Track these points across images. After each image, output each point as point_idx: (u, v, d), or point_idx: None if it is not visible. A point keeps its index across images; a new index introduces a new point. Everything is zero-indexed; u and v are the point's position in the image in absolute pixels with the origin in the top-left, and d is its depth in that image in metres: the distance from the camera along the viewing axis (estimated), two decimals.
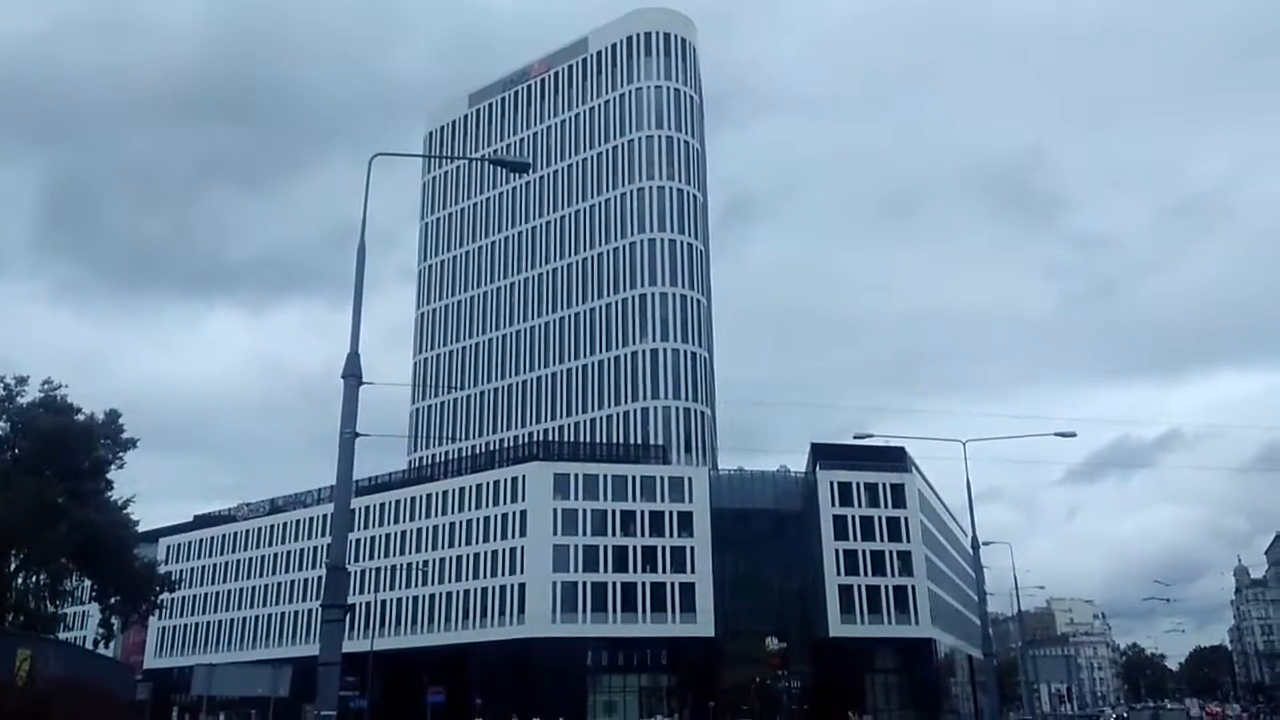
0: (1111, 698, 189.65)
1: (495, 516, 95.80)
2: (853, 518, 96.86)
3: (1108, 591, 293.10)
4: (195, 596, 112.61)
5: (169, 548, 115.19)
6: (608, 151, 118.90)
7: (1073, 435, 39.44)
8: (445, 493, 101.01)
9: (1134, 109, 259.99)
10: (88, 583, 46.20)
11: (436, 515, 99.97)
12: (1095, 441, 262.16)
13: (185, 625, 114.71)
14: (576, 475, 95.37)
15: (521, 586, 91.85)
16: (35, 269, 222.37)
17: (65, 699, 10.45)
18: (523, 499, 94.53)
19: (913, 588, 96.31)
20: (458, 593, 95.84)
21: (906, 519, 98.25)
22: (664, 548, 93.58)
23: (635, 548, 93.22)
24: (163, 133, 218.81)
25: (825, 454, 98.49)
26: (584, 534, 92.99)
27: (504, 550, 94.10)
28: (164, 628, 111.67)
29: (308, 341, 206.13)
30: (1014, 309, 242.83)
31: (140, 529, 50.29)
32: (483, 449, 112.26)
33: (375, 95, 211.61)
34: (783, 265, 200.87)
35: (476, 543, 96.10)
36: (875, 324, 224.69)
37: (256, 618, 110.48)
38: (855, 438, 47.05)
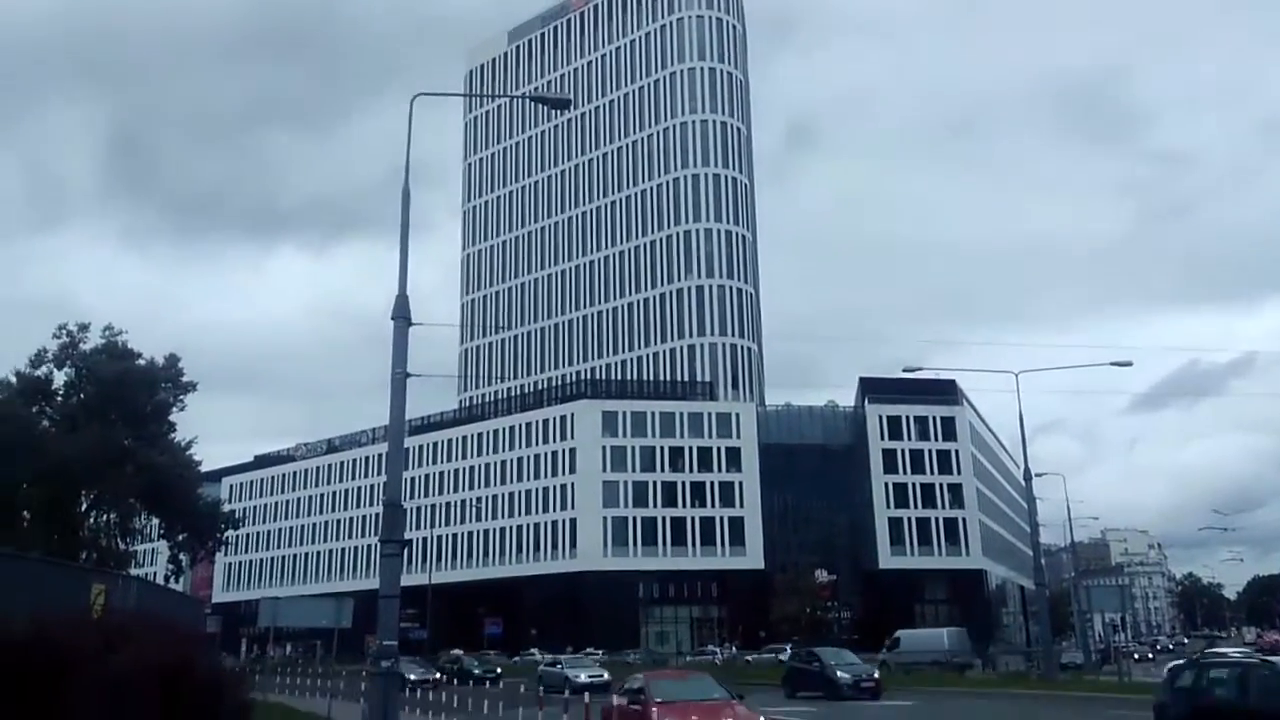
0: (1166, 627, 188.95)
1: (545, 454, 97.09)
2: (902, 451, 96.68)
3: (1165, 522, 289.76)
4: (259, 533, 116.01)
5: (231, 487, 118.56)
6: (649, 85, 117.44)
7: (1129, 365, 38.76)
8: (495, 431, 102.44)
9: (1215, 24, 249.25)
10: (156, 521, 47.81)
11: (488, 453, 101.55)
12: (1161, 369, 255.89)
13: (251, 561, 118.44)
14: (624, 413, 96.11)
15: (573, 522, 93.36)
16: (101, 214, 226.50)
17: (139, 630, 10.96)
18: (572, 437, 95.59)
19: (963, 520, 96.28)
20: (510, 528, 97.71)
21: (957, 452, 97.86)
22: (712, 483, 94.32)
23: (684, 483, 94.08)
24: (219, 74, 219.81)
25: (874, 388, 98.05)
26: (633, 470, 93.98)
27: (554, 487, 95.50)
28: (230, 563, 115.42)
29: (366, 282, 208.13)
30: (1080, 234, 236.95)
31: (203, 469, 51.76)
32: (531, 388, 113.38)
33: (423, 33, 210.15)
34: (838, 196, 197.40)
35: (527, 480, 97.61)
36: (932, 254, 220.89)
37: (318, 553, 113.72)
38: (904, 371, 46.87)
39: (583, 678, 38.63)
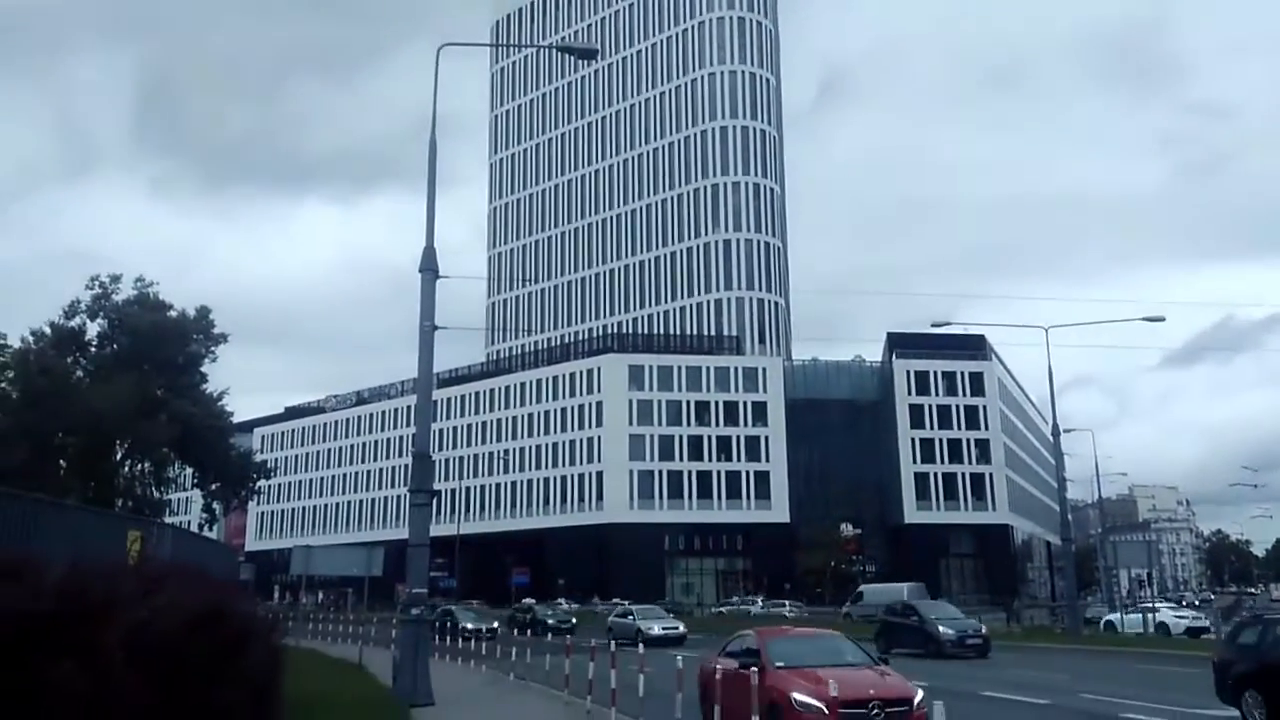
0: (1193, 584, 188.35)
1: (572, 408, 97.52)
2: (930, 406, 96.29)
3: (1194, 479, 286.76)
4: (290, 484, 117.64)
5: (263, 437, 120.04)
6: (678, 35, 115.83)
7: (1161, 320, 38.30)
8: (523, 384, 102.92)
9: None
10: (189, 470, 48.59)
11: (515, 406, 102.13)
12: (1195, 325, 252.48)
13: (283, 510, 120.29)
14: (651, 367, 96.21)
15: (599, 475, 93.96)
16: (132, 165, 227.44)
17: (175, 576, 11.11)
18: (598, 390, 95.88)
19: (990, 475, 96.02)
20: (537, 480, 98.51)
21: (985, 407, 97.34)
22: (739, 437, 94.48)
23: (710, 437, 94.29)
24: (249, 24, 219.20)
25: (902, 343, 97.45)
26: (659, 424, 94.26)
27: (581, 440, 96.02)
28: (263, 513, 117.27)
29: (394, 234, 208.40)
30: (1114, 187, 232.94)
31: (234, 420, 52.46)
32: (558, 341, 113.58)
33: None
34: (869, 149, 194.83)
35: (554, 432, 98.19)
36: (964, 209, 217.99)
37: (349, 503, 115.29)
38: (933, 326, 46.73)
39: (656, 630, 36.13)
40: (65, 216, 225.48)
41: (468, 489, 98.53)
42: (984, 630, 30.77)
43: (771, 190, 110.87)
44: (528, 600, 61.81)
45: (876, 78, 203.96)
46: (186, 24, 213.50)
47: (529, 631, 40.02)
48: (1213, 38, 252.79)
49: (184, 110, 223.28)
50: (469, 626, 37.71)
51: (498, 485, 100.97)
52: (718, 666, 13.50)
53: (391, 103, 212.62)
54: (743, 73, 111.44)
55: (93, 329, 44.51)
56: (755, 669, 11.98)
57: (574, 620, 47.78)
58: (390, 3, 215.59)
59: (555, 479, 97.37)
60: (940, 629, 29.67)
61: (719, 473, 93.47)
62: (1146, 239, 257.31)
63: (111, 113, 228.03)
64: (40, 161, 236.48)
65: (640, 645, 28.99)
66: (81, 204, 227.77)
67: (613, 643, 18.54)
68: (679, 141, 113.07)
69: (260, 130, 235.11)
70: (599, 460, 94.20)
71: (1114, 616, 45.79)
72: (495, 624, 42.56)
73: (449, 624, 39.46)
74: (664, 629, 36.97)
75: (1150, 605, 45.11)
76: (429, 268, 18.45)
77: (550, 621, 45.41)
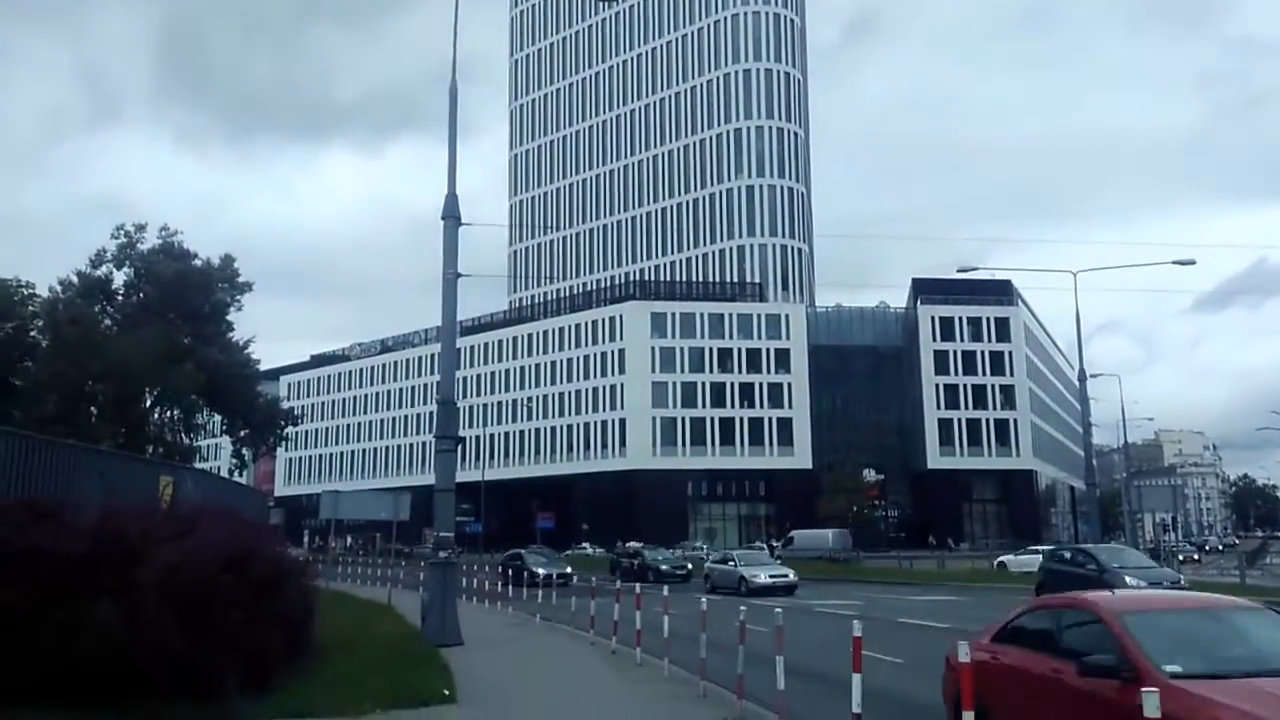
0: (1219, 528, 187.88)
1: (594, 355, 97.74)
2: (954, 352, 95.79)
3: (1222, 424, 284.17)
4: (318, 430, 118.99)
5: (289, 385, 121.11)
6: None
7: (1191, 263, 37.54)
8: (545, 332, 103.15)
9: None
10: (218, 418, 49.17)
11: (538, 354, 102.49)
12: (1227, 268, 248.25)
13: (311, 457, 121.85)
14: (673, 314, 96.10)
15: (622, 421, 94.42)
16: (156, 114, 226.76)
17: (207, 519, 11.33)
18: (621, 338, 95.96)
19: (1014, 421, 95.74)
20: (561, 427, 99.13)
21: (1010, 353, 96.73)
22: (761, 384, 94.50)
23: (733, 384, 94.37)
24: None
25: (927, 289, 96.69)
26: (682, 371, 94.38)
27: (604, 387, 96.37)
28: (291, 459, 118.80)
29: (419, 181, 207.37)
30: (1147, 128, 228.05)
31: (261, 368, 52.89)
32: (580, 289, 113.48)
33: None
34: (896, 92, 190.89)
35: (577, 380, 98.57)
36: (992, 152, 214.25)
37: (375, 449, 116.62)
38: (959, 271, 46.10)
39: (763, 578, 32.53)
40: (91, 166, 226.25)
41: (492, 436, 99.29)
42: (1182, 580, 25.21)
43: (795, 134, 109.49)
44: (633, 544, 57.05)
45: (904, 16, 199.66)
46: None
47: (637, 580, 30.89)
48: None
49: (208, 58, 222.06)
50: (540, 572, 34.39)
51: (522, 432, 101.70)
52: (1000, 659, 7.60)
53: (414, 48, 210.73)
54: (766, 13, 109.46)
55: (119, 278, 44.81)
56: (1116, 677, 6.12)
57: (689, 566, 43.40)
58: None
59: (579, 426, 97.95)
60: (1127, 579, 22.56)
61: (742, 419, 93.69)
62: (1179, 180, 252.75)
63: (136, 61, 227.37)
64: (65, 111, 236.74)
65: (745, 594, 28.62)
66: (107, 153, 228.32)
67: (704, 597, 14.93)
68: (701, 85, 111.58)
69: (283, 78, 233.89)
70: (622, 407, 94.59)
71: (1007, 557, 50.62)
72: (568, 569, 40.07)
73: (517, 570, 36.46)
74: (772, 576, 32.96)
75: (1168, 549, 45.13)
76: (451, 214, 18.41)
77: (663, 568, 41.91)
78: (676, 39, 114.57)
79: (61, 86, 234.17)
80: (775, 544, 78.39)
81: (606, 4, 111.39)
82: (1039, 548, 49.95)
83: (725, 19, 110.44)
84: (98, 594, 9.09)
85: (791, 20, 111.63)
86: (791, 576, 33.31)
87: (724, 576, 34.14)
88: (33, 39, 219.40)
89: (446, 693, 11.00)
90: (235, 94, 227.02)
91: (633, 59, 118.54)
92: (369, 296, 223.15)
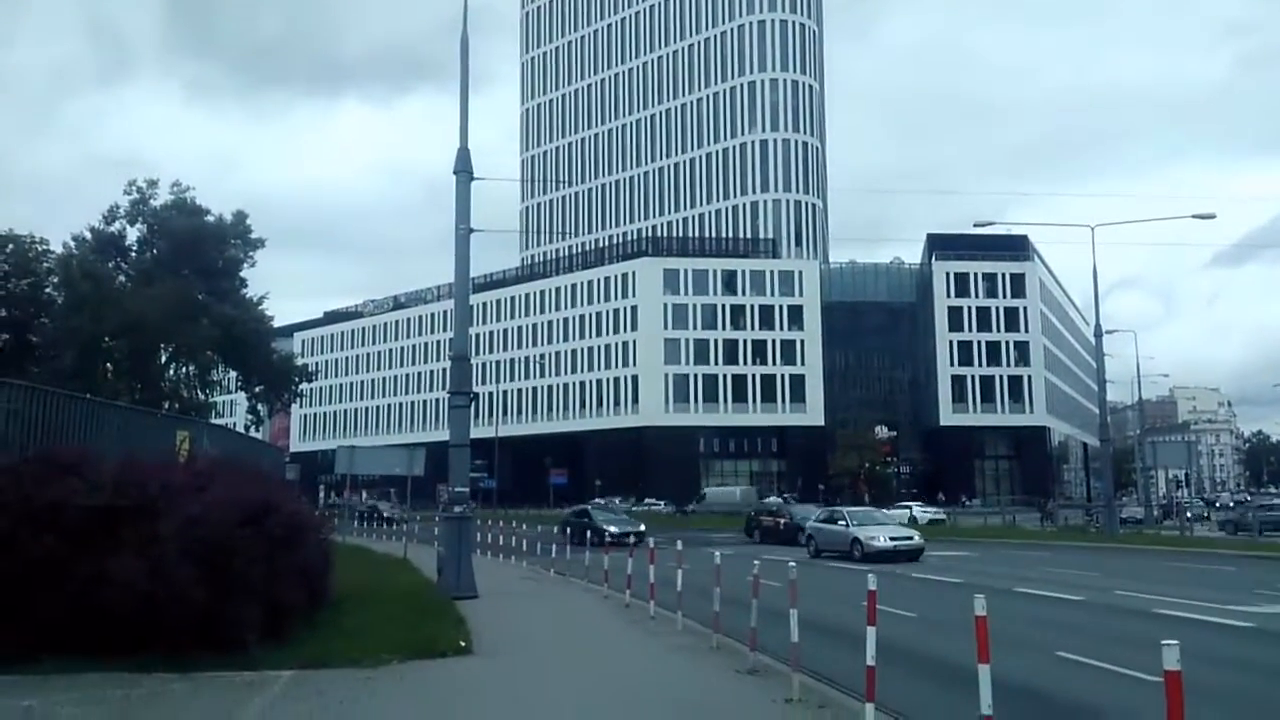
0: (1232, 485, 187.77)
1: (607, 312, 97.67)
2: (969, 309, 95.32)
3: (1238, 380, 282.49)
4: (332, 387, 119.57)
5: (303, 341, 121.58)
6: None
7: (1211, 217, 37.08)
8: (558, 289, 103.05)
9: None
10: (233, 374, 49.51)
11: (551, 311, 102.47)
12: (1247, 223, 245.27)
13: (326, 413, 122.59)
14: (686, 270, 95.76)
15: (634, 378, 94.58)
16: (167, 69, 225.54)
17: (225, 472, 11.44)
18: (633, 294, 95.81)
19: (1028, 377, 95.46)
20: (574, 384, 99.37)
21: (1025, 309, 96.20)
22: (774, 341, 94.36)
23: (745, 341, 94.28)
24: None
25: (942, 244, 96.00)
26: (694, 328, 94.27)
27: (616, 344, 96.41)
28: (306, 415, 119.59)
29: (432, 135, 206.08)
30: (1169, 81, 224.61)
31: (275, 324, 53.10)
32: (592, 245, 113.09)
33: None
34: (914, 44, 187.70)
35: (590, 337, 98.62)
36: (1009, 104, 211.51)
37: (389, 406, 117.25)
38: (974, 226, 45.82)
39: (882, 541, 26.95)
40: (102, 121, 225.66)
41: (505, 392, 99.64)
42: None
43: (810, 87, 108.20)
44: (773, 499, 53.03)
45: None
46: None
47: (584, 544, 27.27)
48: None
49: (217, 12, 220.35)
50: (613, 531, 31.69)
51: (534, 389, 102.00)
52: None
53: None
54: None
55: (132, 234, 44.97)
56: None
57: (641, 528, 34.87)
58: None
59: (591, 382, 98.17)
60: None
61: (754, 376, 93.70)
62: (1199, 134, 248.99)
63: (145, 14, 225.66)
64: (75, 66, 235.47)
65: (861, 559, 25.35)
66: (118, 109, 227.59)
67: (792, 562, 12.97)
68: (715, 37, 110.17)
69: (294, 31, 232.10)
70: (634, 364, 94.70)
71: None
72: (642, 527, 35.35)
73: (582, 529, 33.27)
74: (894, 539, 27.34)
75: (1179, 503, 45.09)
76: (463, 169, 18.30)
77: (612, 530, 33.95)
78: None
79: (71, 41, 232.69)
80: (788, 496, 78.94)
81: None
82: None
83: None
84: (119, 547, 9.20)
85: None
86: (918, 539, 27.81)
87: (832, 538, 28.81)
88: None
89: (463, 644, 11.14)
90: (246, 47, 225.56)
91: (645, 10, 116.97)
92: (382, 253, 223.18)
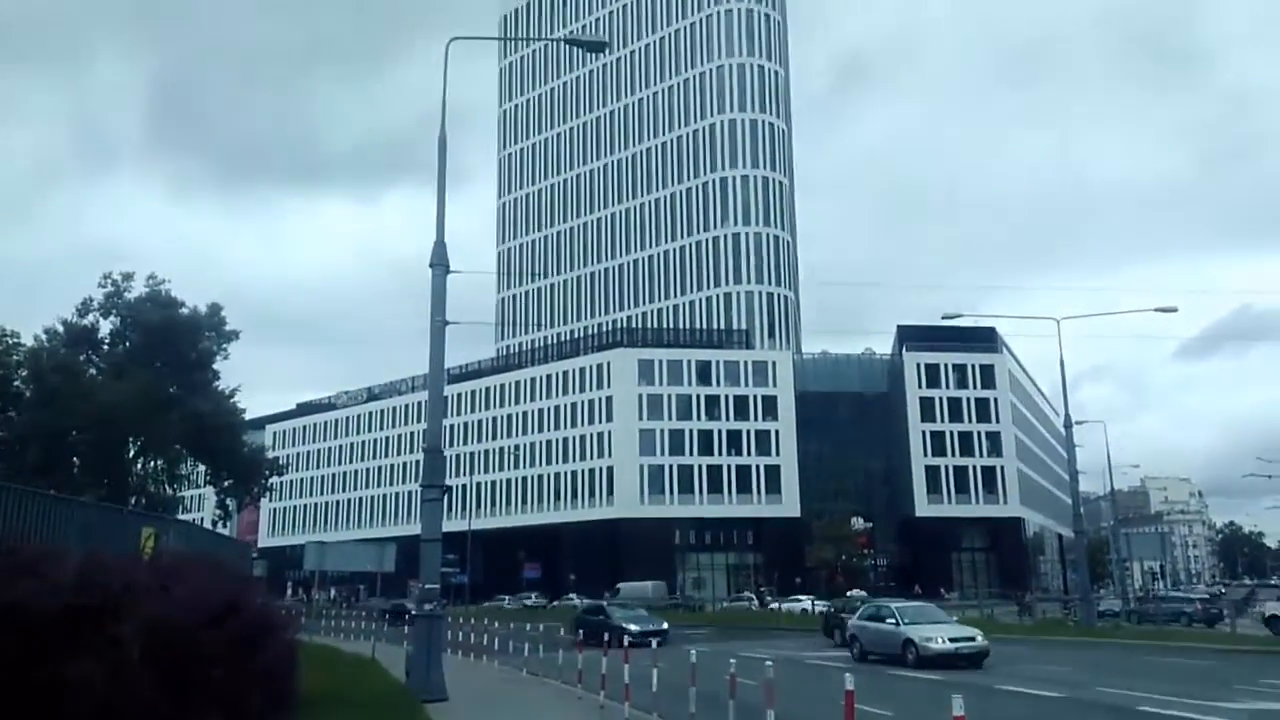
0: (1206, 576, 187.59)
1: (582, 402, 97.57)
2: (940, 399, 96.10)
3: (1207, 470, 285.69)
4: (303, 480, 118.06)
5: (275, 434, 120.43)
6: (685, 28, 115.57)
7: (1173, 310, 37.91)
8: (533, 379, 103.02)
9: None
10: (202, 468, 48.73)
11: (525, 401, 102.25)
12: (1211, 315, 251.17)
13: (295, 507, 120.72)
14: (660, 361, 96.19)
15: (609, 469, 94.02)
16: (149, 163, 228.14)
17: (189, 570, 11.17)
18: (608, 385, 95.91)
19: (1001, 468, 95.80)
20: (548, 475, 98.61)
21: (996, 399, 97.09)
22: (749, 431, 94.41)
23: (720, 431, 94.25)
24: (263, 20, 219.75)
25: (912, 336, 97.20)
26: (669, 418, 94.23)
27: (591, 434, 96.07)
28: (275, 509, 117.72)
29: (410, 228, 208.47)
30: (1132, 177, 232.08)
31: (247, 417, 52.53)
32: (568, 336, 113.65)
33: None
34: (884, 139, 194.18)
35: (565, 427, 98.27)
36: (977, 198, 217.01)
37: (361, 499, 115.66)
38: (943, 318, 46.09)
39: (940, 642, 23.18)
40: (85, 214, 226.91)
41: (479, 484, 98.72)
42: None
43: (780, 183, 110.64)
44: (854, 591, 49.43)
45: (892, 65, 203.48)
46: (202, 22, 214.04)
47: (601, 643, 23.18)
48: (1236, 25, 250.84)
49: (200, 108, 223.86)
50: (634, 630, 28.54)
51: (509, 480, 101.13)
52: None
53: (405, 98, 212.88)
54: (751, 65, 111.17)
55: (105, 326, 44.65)
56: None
57: (665, 627, 32.99)
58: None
59: (566, 474, 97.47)
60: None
61: (729, 467, 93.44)
62: (1163, 228, 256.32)
63: (130, 111, 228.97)
64: (60, 160, 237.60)
65: (913, 665, 22.22)
66: (101, 202, 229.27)
67: (847, 671, 10.74)
68: (687, 135, 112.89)
69: (277, 127, 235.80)
70: (609, 455, 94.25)
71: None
72: (665, 625, 33.19)
73: (598, 627, 30.44)
74: (954, 640, 23.49)
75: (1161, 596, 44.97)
76: (439, 263, 18.46)
77: (632, 628, 30.01)
78: (662, 90, 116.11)
79: (56, 134, 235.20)
80: (764, 590, 78.00)
81: (595, 53, 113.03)
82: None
83: (710, 70, 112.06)
84: (79, 650, 8.91)
85: (776, 72, 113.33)
86: (980, 640, 23.89)
87: (880, 639, 25.42)
88: (29, 85, 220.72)
89: None
90: (229, 143, 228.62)
91: (619, 109, 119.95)
92: (358, 344, 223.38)
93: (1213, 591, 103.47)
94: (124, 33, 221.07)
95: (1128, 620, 42.60)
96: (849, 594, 55.65)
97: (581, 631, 27.23)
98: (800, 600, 62.76)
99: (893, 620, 25.35)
